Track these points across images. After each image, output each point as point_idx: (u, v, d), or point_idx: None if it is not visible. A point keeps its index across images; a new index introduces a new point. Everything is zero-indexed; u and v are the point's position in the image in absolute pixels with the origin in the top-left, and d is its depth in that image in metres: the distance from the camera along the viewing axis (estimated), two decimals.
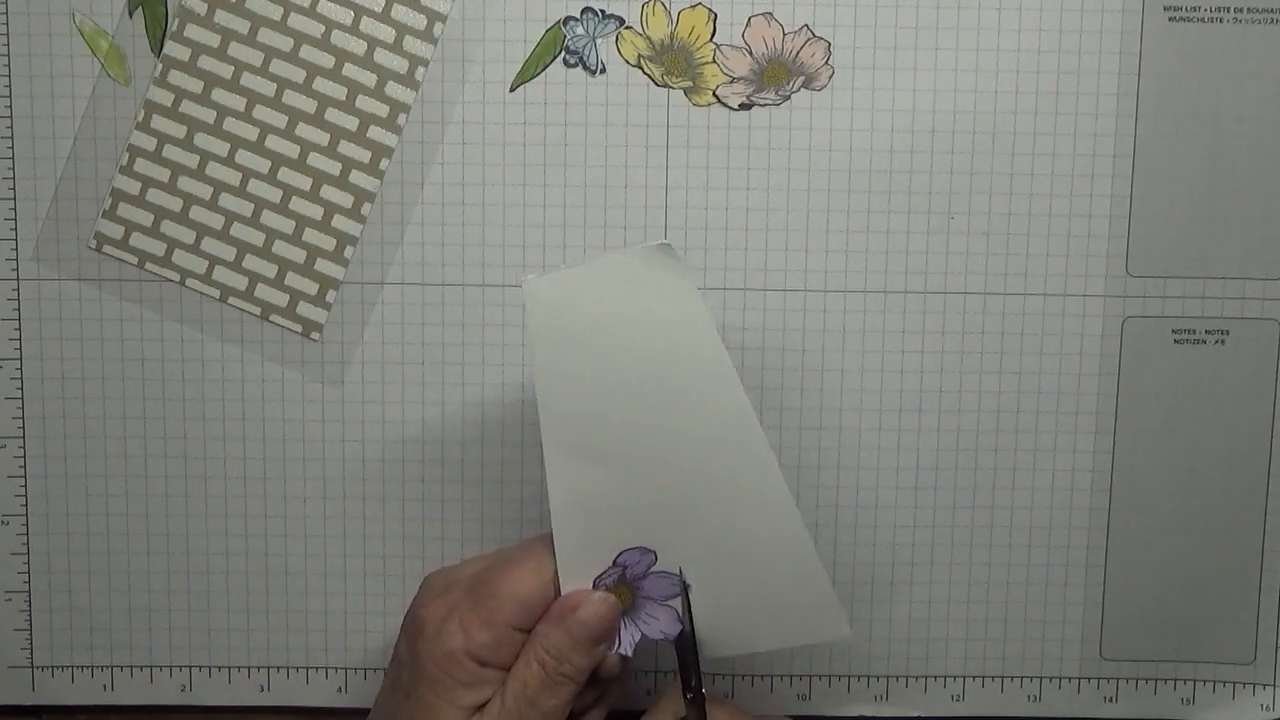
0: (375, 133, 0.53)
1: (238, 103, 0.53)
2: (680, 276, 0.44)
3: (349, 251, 0.54)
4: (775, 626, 0.48)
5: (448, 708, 0.45)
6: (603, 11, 0.53)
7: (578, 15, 0.53)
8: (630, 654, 0.47)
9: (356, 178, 0.53)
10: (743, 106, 0.53)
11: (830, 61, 0.53)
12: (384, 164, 0.53)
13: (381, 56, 0.53)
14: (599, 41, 0.53)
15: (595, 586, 0.47)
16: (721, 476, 0.46)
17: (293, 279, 0.54)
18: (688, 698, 0.47)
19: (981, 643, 0.56)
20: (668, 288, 0.44)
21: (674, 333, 0.44)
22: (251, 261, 0.54)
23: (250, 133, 0.53)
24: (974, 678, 0.57)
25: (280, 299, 0.54)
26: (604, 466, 0.45)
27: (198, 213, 0.54)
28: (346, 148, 0.53)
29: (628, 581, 0.47)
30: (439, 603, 0.47)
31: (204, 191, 0.53)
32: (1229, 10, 0.53)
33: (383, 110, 0.53)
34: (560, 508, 0.46)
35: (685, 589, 0.47)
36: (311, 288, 0.54)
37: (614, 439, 0.45)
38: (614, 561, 0.46)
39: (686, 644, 0.48)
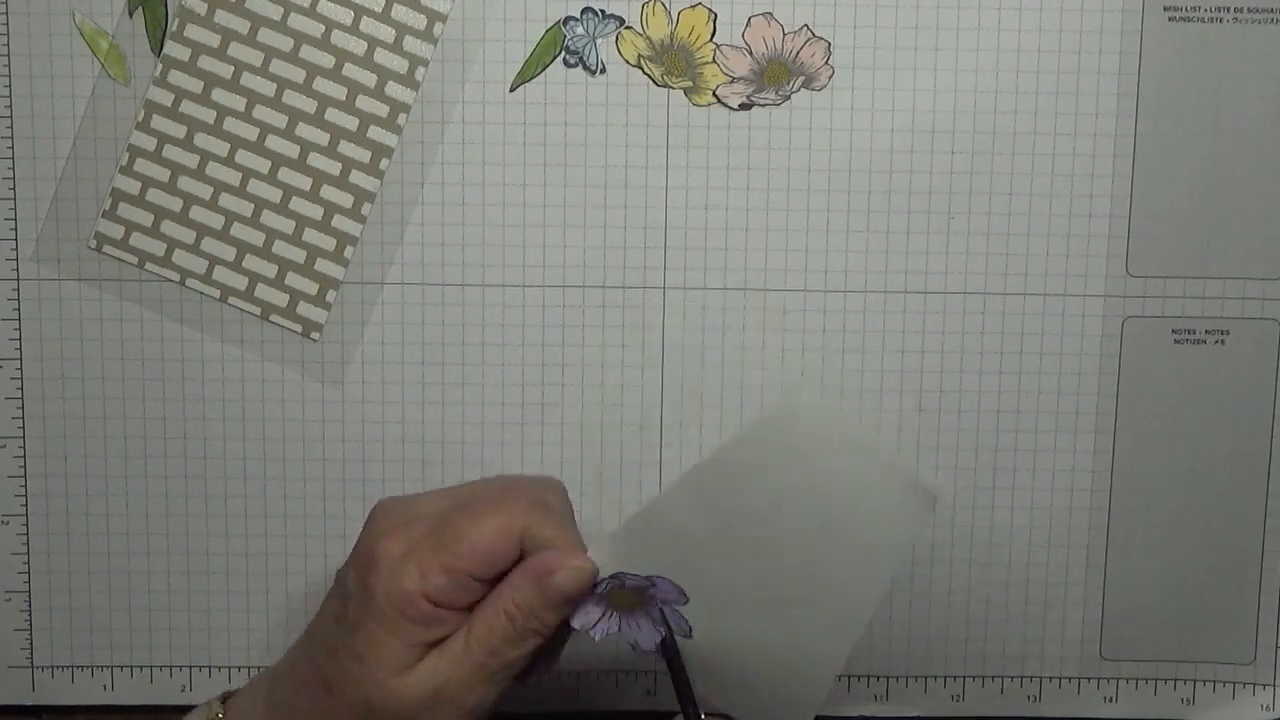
0: (375, 133, 0.53)
1: (238, 103, 0.53)
2: (923, 522, 0.44)
3: (349, 251, 0.54)
4: (749, 706, 0.48)
5: (398, 644, 0.44)
6: (603, 11, 0.53)
7: (578, 15, 0.53)
8: (597, 639, 0.47)
9: (356, 178, 0.54)
10: (743, 106, 0.53)
11: (830, 61, 0.53)
12: (384, 164, 0.53)
13: (381, 56, 0.53)
14: (599, 41, 0.53)
15: (616, 577, 0.46)
16: (808, 596, 0.46)
17: (293, 279, 0.54)
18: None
19: (981, 643, 0.56)
20: (910, 506, 0.44)
21: (881, 517, 0.44)
22: (251, 261, 0.54)
23: (250, 133, 0.53)
24: (974, 678, 0.57)
25: (280, 299, 0.54)
26: (710, 530, 0.45)
27: (198, 213, 0.54)
28: (346, 148, 0.53)
29: (645, 596, 0.47)
30: (395, 539, 0.45)
31: (204, 191, 0.53)
32: (1229, 10, 0.53)
33: (383, 110, 0.53)
34: (647, 516, 0.46)
35: (687, 632, 0.47)
36: (311, 288, 0.54)
37: (747, 519, 0.45)
38: (648, 577, 0.46)
39: (680, 678, 0.47)
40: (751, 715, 0.48)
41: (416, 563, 0.45)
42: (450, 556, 0.45)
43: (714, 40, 0.53)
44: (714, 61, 0.53)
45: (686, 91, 0.53)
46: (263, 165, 0.53)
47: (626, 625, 0.47)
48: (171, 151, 0.53)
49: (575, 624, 0.46)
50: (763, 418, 0.44)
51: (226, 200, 0.53)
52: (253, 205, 0.53)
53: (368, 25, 0.53)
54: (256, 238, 0.54)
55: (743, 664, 0.47)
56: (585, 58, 0.53)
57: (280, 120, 0.53)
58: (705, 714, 0.47)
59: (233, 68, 0.53)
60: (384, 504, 0.48)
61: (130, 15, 0.53)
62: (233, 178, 0.53)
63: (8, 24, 0.53)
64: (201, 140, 0.53)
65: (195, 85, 0.53)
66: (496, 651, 0.45)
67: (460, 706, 0.45)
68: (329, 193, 0.53)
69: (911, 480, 0.44)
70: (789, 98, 0.53)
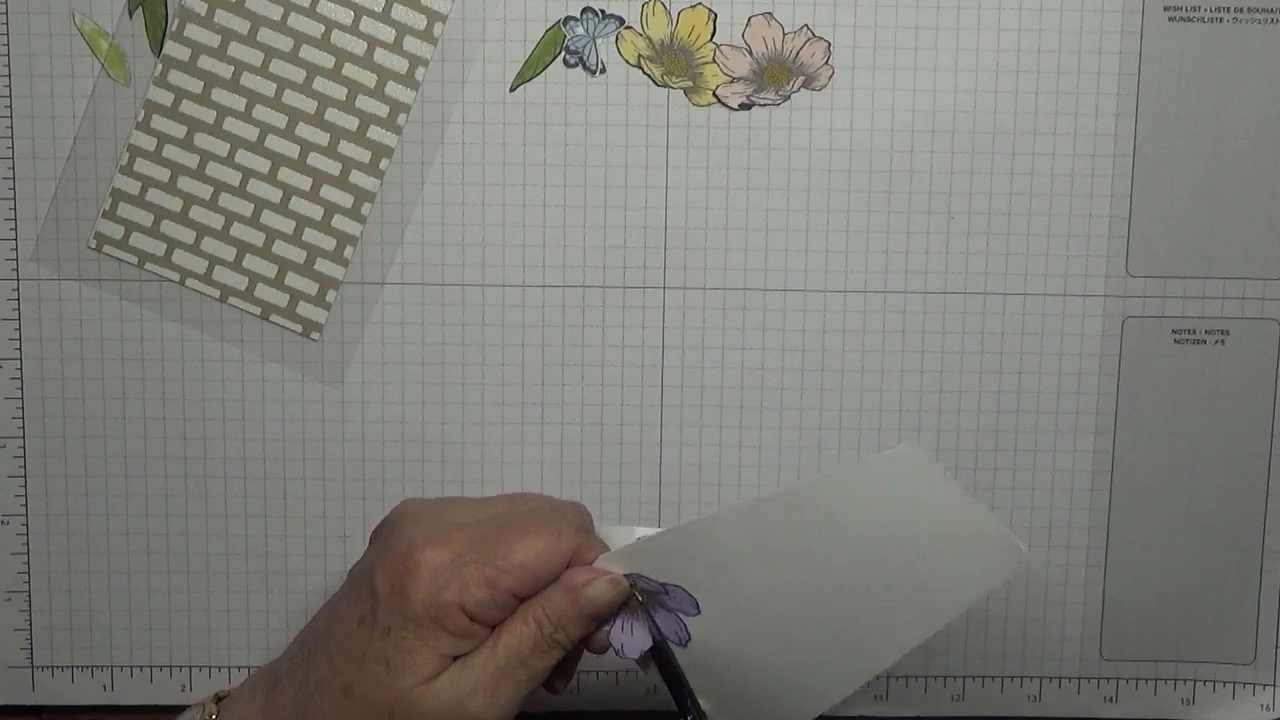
0: (375, 133, 0.53)
1: (238, 103, 0.53)
2: (1007, 572, 0.44)
3: (349, 251, 0.54)
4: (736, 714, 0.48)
5: (430, 654, 0.44)
6: (603, 11, 0.53)
7: (578, 15, 0.53)
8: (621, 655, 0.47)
9: (356, 178, 0.54)
10: (743, 106, 0.53)
11: (830, 61, 0.53)
12: (384, 164, 0.53)
13: (381, 56, 0.53)
14: (599, 41, 0.53)
15: (628, 577, 0.46)
16: (839, 630, 0.45)
17: (293, 279, 0.54)
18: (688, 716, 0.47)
19: (981, 643, 0.56)
20: (992, 561, 0.43)
21: (960, 571, 0.44)
22: (251, 261, 0.54)
23: (250, 133, 0.53)
24: (974, 678, 0.57)
25: (280, 299, 0.54)
26: (758, 559, 0.45)
27: (198, 213, 0.54)
28: (346, 148, 0.53)
29: (652, 601, 0.47)
30: (438, 548, 0.45)
31: (204, 191, 0.53)
32: (1229, 10, 0.53)
33: (383, 110, 0.53)
34: (687, 529, 0.46)
35: (684, 640, 0.47)
36: (311, 288, 0.54)
37: (793, 557, 0.45)
38: (663, 584, 0.46)
39: (673, 676, 0.47)
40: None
41: (459, 574, 0.45)
42: (495, 572, 0.45)
43: (714, 40, 0.53)
44: (714, 61, 0.53)
45: (686, 91, 0.53)
46: (263, 165, 0.53)
47: (618, 629, 0.47)
48: (171, 151, 0.53)
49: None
50: (858, 465, 0.44)
51: (226, 200, 0.53)
52: (253, 205, 0.53)
53: (368, 25, 0.53)
54: (256, 238, 0.54)
55: (741, 678, 0.47)
56: (585, 58, 0.53)
57: (280, 120, 0.53)
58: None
59: (233, 68, 0.53)
60: (411, 509, 0.48)
61: (130, 15, 0.53)
62: (233, 178, 0.53)
63: (8, 24, 0.53)
64: (201, 140, 0.53)
65: (195, 85, 0.53)
66: (524, 659, 0.45)
67: (481, 717, 0.45)
68: (329, 193, 0.54)
69: (1003, 538, 0.43)
70: (789, 98, 0.53)
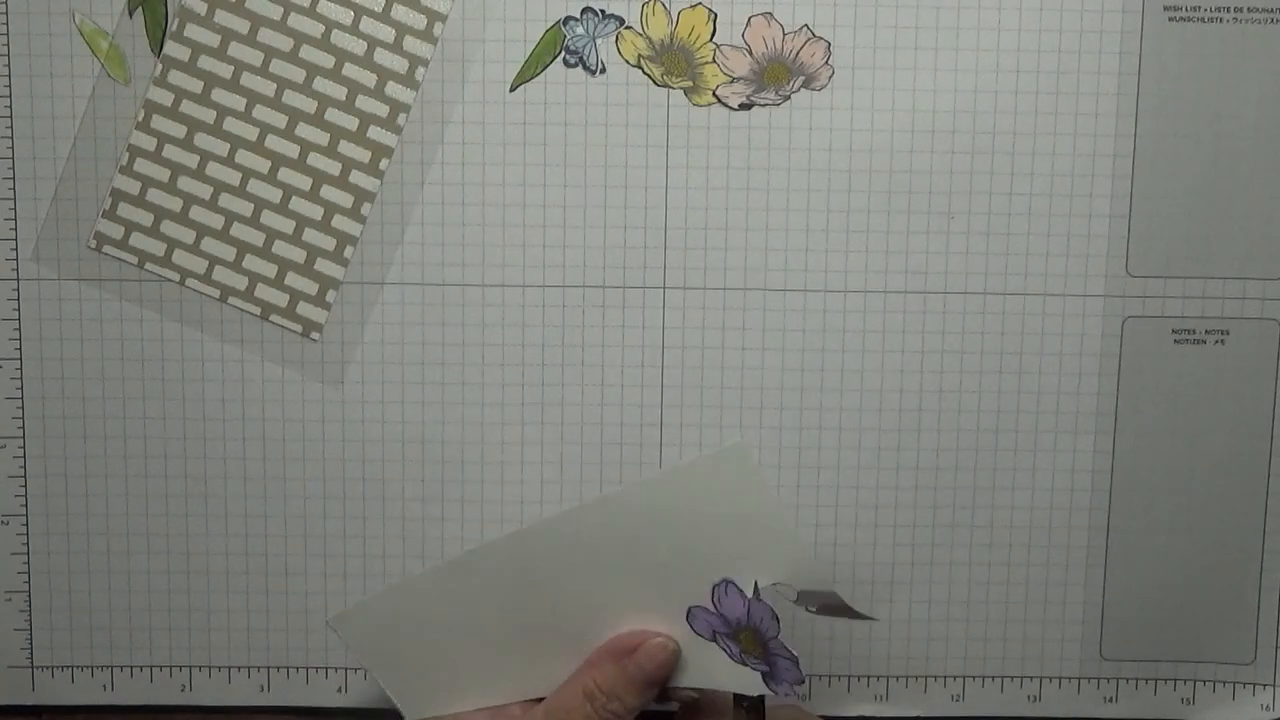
0: (375, 133, 0.53)
1: (238, 103, 0.53)
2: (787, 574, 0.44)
3: (349, 251, 0.54)
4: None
5: None
6: (603, 11, 0.53)
7: (578, 15, 0.53)
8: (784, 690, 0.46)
9: (356, 178, 0.54)
10: (743, 106, 0.53)
11: (830, 61, 0.53)
12: (384, 164, 0.53)
13: (381, 56, 0.53)
14: (599, 41, 0.53)
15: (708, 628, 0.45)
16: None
17: (293, 279, 0.54)
18: (743, 706, 0.45)
19: (981, 643, 0.56)
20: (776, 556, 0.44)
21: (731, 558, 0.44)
22: (251, 261, 0.54)
23: (250, 133, 0.53)
24: (974, 678, 0.57)
25: (280, 299, 0.54)
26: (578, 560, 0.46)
27: (198, 213, 0.54)
28: (346, 148, 0.53)
29: (755, 637, 0.45)
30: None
31: (204, 191, 0.53)
32: (1229, 10, 0.53)
33: (383, 110, 0.53)
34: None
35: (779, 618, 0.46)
36: (311, 288, 0.54)
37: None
38: (714, 603, 0.45)
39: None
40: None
41: None
42: None
43: (714, 40, 0.53)
44: (714, 61, 0.53)
45: (686, 91, 0.53)
46: (263, 165, 0.53)
47: (766, 667, 0.45)
48: (171, 151, 0.53)
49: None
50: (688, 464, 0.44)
51: (226, 200, 0.53)
52: (253, 205, 0.53)
53: (368, 25, 0.53)
54: (256, 238, 0.54)
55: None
56: (585, 58, 0.53)
57: (280, 120, 0.53)
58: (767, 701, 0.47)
59: (233, 68, 0.53)
60: None
61: (130, 15, 0.53)
62: (233, 178, 0.53)
63: (8, 24, 0.53)
64: (201, 140, 0.53)
65: (195, 85, 0.53)
66: None
67: None
68: (329, 193, 0.54)
69: (799, 547, 0.43)
70: (789, 98, 0.53)
